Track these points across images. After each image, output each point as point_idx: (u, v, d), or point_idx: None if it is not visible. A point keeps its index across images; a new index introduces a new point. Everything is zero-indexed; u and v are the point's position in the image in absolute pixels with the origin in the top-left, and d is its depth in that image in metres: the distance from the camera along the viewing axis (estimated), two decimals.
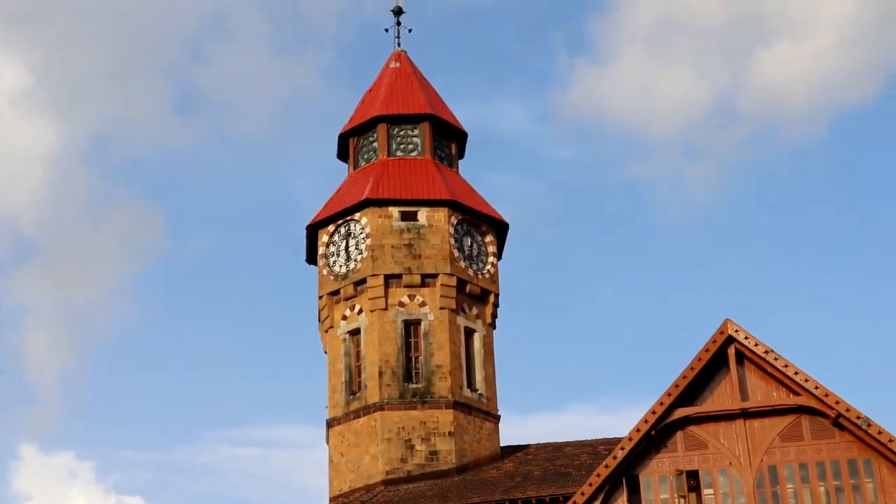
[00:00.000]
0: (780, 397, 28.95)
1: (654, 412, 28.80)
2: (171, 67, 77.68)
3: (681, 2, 72.02)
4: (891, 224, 69.46)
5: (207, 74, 77.25)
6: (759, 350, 28.69)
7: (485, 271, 36.68)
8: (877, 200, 71.13)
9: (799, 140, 75.79)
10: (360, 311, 35.38)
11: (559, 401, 74.31)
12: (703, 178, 75.13)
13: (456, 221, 35.93)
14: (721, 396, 29.27)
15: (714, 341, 29.10)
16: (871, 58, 72.37)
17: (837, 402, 27.83)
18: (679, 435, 29.00)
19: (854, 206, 71.36)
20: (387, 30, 40.56)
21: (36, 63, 72.79)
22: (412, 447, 33.57)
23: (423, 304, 35.02)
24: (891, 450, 27.27)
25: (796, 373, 28.29)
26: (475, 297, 36.07)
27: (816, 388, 28.06)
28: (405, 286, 34.93)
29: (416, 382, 34.47)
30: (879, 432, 27.25)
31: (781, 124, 75.88)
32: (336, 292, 35.83)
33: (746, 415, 28.73)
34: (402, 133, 38.06)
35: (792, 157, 74.16)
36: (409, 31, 40.58)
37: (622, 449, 28.56)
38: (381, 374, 34.23)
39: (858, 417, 27.81)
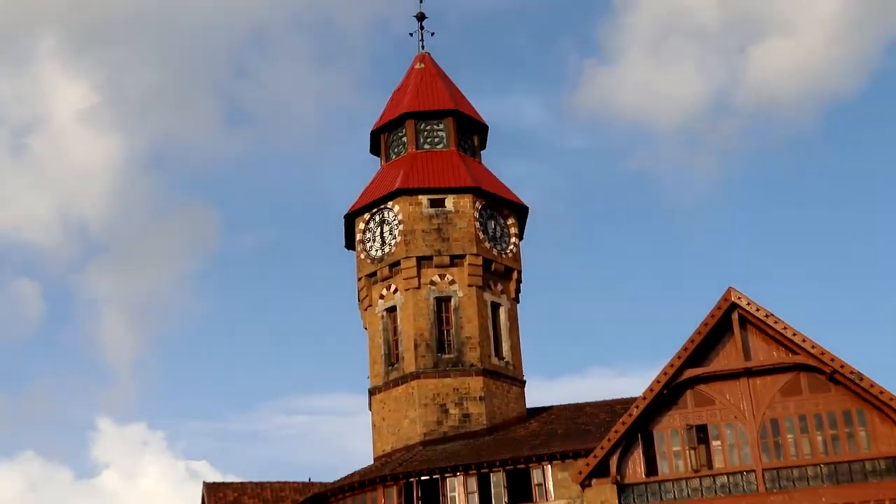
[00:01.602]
0: (779, 356, 29.78)
1: (665, 373, 29.67)
2: (220, 83, 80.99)
3: (679, 5, 73.61)
4: (877, 198, 71.53)
5: (252, 87, 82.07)
6: (760, 314, 29.59)
7: (508, 251, 36.77)
8: (863, 177, 73.13)
9: (791, 129, 77.80)
10: (396, 290, 35.57)
11: (579, 366, 77.54)
12: (703, 166, 76.98)
13: (480, 206, 36.05)
14: (726, 357, 30.10)
15: (719, 308, 29.86)
16: (856, 52, 73.48)
17: (832, 360, 28.76)
18: (689, 393, 29.96)
19: (843, 184, 73.43)
20: (411, 34, 40.79)
21: (100, 84, 78.64)
22: (446, 411, 33.87)
23: (452, 283, 35.25)
24: (881, 401, 28.21)
25: (794, 334, 29.19)
26: (499, 274, 36.22)
27: (813, 347, 28.91)
28: (436, 266, 35.11)
29: (449, 353, 34.63)
30: (871, 385, 28.32)
31: (775, 115, 77.45)
32: (373, 274, 36.12)
33: (750, 373, 29.61)
34: (428, 128, 38.24)
35: (786, 144, 76.10)
36: (432, 34, 40.64)
37: (637, 407, 29.57)
38: (416, 346, 34.49)
39: (852, 373, 28.55)
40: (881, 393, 28.23)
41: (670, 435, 29.87)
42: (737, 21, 73.42)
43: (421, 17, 40.70)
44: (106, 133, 79.67)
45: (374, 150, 39.57)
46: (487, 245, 35.96)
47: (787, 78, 73.11)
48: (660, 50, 75.99)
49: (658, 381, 29.69)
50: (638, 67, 76.37)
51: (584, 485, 29.55)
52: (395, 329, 35.71)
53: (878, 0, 73.32)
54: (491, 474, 31.09)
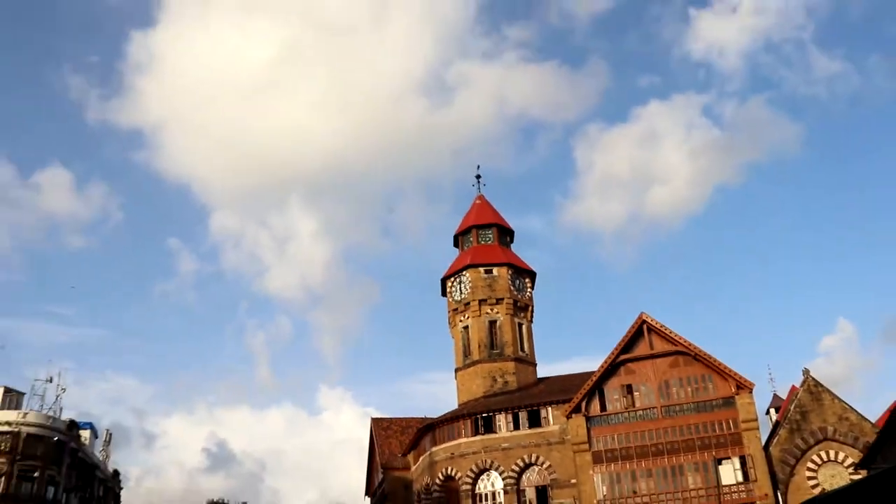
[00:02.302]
0: (668, 347, 40.79)
1: (609, 358, 40.88)
2: (379, 214, 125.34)
3: (609, 169, 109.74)
4: (722, 271, 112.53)
5: (396, 215, 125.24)
6: (657, 325, 41.04)
7: (526, 296, 47.63)
8: (712, 259, 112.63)
9: (669, 232, 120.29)
10: (468, 317, 46.49)
11: (566, 355, 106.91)
12: (627, 251, 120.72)
13: (511, 273, 47.01)
14: (641, 348, 41.22)
15: (636, 322, 41.39)
16: (700, 189, 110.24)
17: (695, 348, 40.07)
18: (622, 368, 41.30)
19: (703, 261, 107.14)
20: (473, 185, 53.61)
21: (319, 217, 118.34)
22: (495, 380, 44.98)
23: (497, 313, 46.21)
24: (720, 369, 39.53)
25: (675, 335, 40.61)
26: (522, 308, 47.11)
27: (685, 342, 40.35)
28: (489, 304, 46.10)
29: (495, 349, 45.24)
30: (714, 360, 39.63)
31: (661, 225, 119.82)
32: (456, 309, 47.08)
33: (653, 357, 40.86)
34: (482, 232, 49.67)
35: (668, 240, 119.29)
36: (484, 184, 52.75)
37: (595, 376, 40.39)
38: (479, 346, 45.38)
39: (705, 355, 39.24)
40: (719, 365, 39.39)
41: (612, 390, 40.47)
42: (639, 176, 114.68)
43: (478, 176, 53.38)
44: (322, 242, 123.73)
45: (455, 244, 50.97)
46: (515, 293, 47.17)
47: (666, 205, 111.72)
48: (602, 192, 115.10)
49: (606, 362, 40.78)
50: (591, 202, 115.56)
51: (568, 417, 40.06)
52: (467, 338, 46.52)
53: (710, 162, 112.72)
54: (519, 413, 41.93)
